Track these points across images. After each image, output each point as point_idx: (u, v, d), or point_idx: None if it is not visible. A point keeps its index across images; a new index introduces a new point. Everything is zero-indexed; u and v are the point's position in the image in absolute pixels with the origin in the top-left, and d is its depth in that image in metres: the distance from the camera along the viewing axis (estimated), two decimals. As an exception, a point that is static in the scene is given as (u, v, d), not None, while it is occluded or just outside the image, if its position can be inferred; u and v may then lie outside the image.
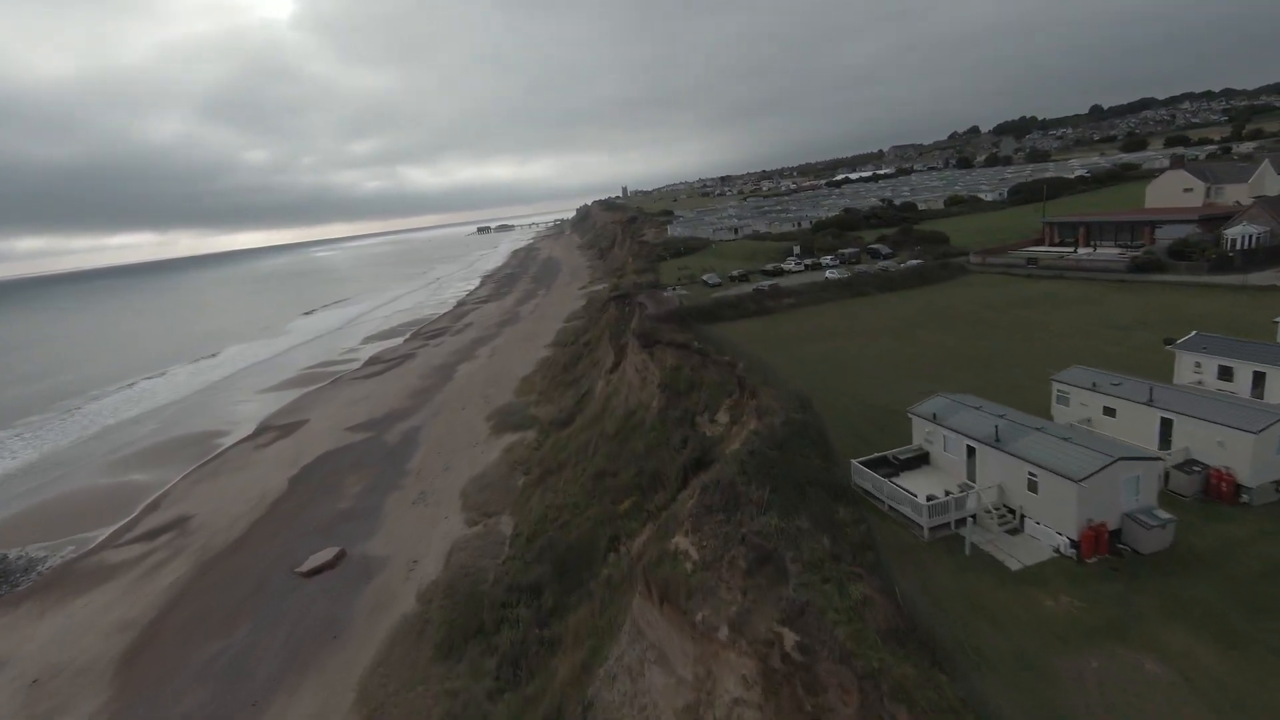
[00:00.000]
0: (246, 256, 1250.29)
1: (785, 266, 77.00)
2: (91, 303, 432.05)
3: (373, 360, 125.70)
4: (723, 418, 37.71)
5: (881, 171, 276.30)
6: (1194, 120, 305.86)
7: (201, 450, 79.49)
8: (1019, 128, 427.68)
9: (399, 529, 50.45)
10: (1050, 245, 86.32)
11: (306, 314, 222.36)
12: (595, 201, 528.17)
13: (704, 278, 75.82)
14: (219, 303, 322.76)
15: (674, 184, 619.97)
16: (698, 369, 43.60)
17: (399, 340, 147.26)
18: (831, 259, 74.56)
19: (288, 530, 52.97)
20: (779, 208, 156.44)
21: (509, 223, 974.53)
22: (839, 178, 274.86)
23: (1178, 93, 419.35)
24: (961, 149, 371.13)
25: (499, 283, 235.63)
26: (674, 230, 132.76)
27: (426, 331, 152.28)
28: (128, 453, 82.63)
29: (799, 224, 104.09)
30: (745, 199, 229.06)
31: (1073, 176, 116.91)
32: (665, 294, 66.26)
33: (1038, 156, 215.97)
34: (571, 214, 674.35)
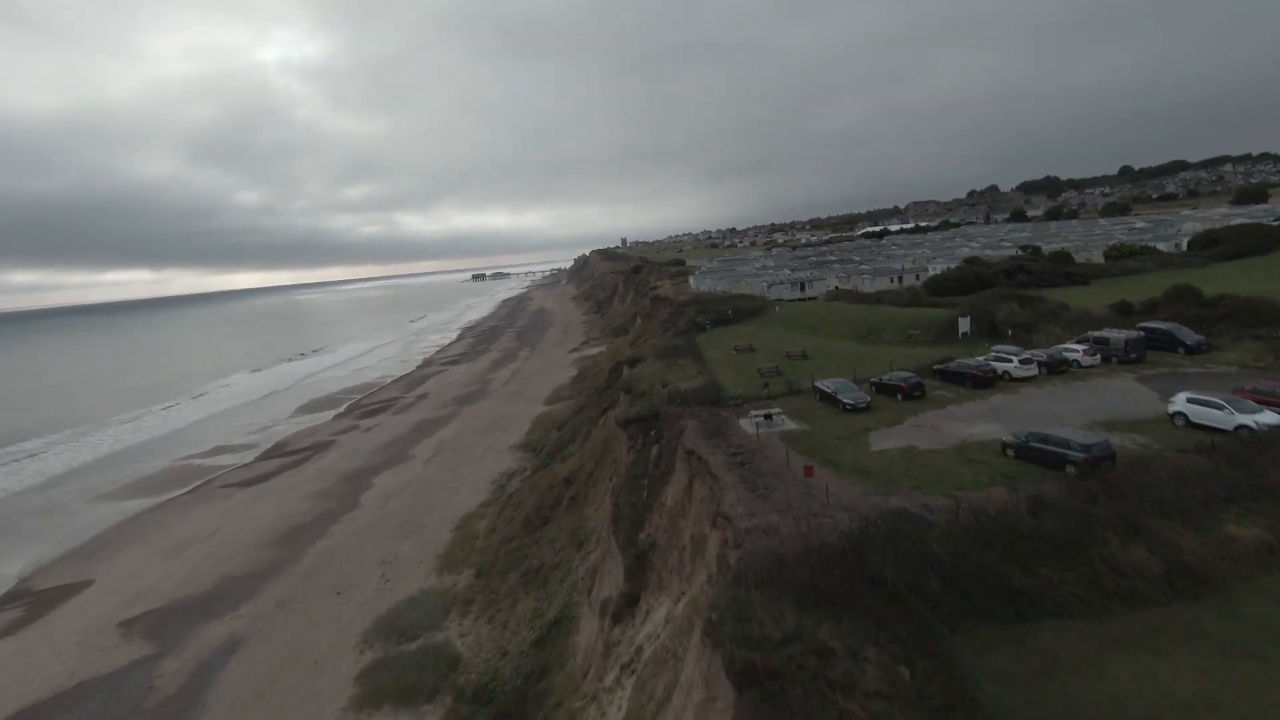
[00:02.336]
0: (242, 296, 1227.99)
1: (995, 361, 35.94)
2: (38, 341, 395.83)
3: (273, 451, 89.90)
4: None
5: (908, 225, 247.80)
6: (1251, 180, 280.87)
7: None
8: (1044, 187, 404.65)
9: None
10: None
11: (254, 371, 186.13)
12: (594, 251, 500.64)
13: (824, 387, 34.59)
14: (170, 348, 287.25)
15: (677, 235, 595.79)
16: None
17: (330, 415, 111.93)
18: (1086, 348, 36.17)
19: None
20: (836, 257, 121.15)
21: (504, 270, 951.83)
22: (876, 229, 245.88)
23: (1189, 158, 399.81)
24: (994, 203, 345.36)
25: (478, 338, 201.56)
26: (700, 284, 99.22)
27: (368, 404, 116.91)
28: None
29: (897, 279, 70.64)
30: (770, 249, 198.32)
31: (1273, 223, 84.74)
32: (747, 424, 30.30)
33: (1114, 210, 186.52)
34: (569, 264, 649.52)
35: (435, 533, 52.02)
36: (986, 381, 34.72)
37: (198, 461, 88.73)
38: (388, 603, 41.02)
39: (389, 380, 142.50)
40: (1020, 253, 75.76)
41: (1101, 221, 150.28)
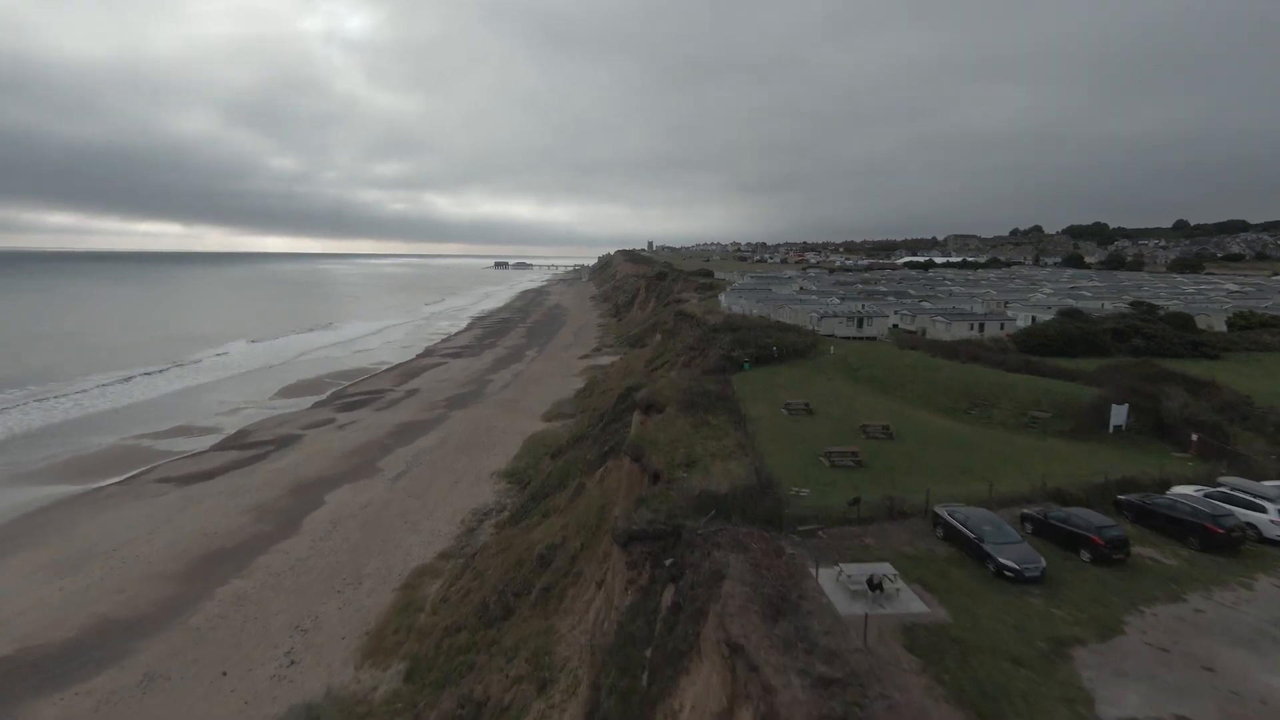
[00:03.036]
0: (268, 260, 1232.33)
1: (1234, 505, 22.57)
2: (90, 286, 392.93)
3: (233, 440, 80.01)
4: None
5: (954, 259, 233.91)
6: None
7: None
8: (1094, 234, 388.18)
9: None
10: None
11: (253, 341, 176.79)
12: (619, 251, 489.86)
13: (955, 520, 21.71)
14: (182, 306, 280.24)
15: (704, 244, 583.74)
16: None
17: (309, 402, 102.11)
18: None
19: None
20: (888, 288, 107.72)
21: (528, 261, 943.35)
22: (920, 260, 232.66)
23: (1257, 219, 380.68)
24: (1040, 245, 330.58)
25: (486, 330, 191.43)
26: (733, 303, 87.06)
27: (353, 394, 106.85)
28: None
29: (977, 326, 58.12)
30: (804, 269, 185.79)
31: None
32: (833, 584, 17.80)
33: (1184, 266, 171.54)
34: (593, 261, 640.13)
35: (373, 590, 41.12)
36: (1229, 542, 21.26)
37: (148, 443, 78.90)
38: (277, 706, 30.08)
39: (384, 368, 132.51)
40: (1128, 309, 63.34)
41: (1177, 277, 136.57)
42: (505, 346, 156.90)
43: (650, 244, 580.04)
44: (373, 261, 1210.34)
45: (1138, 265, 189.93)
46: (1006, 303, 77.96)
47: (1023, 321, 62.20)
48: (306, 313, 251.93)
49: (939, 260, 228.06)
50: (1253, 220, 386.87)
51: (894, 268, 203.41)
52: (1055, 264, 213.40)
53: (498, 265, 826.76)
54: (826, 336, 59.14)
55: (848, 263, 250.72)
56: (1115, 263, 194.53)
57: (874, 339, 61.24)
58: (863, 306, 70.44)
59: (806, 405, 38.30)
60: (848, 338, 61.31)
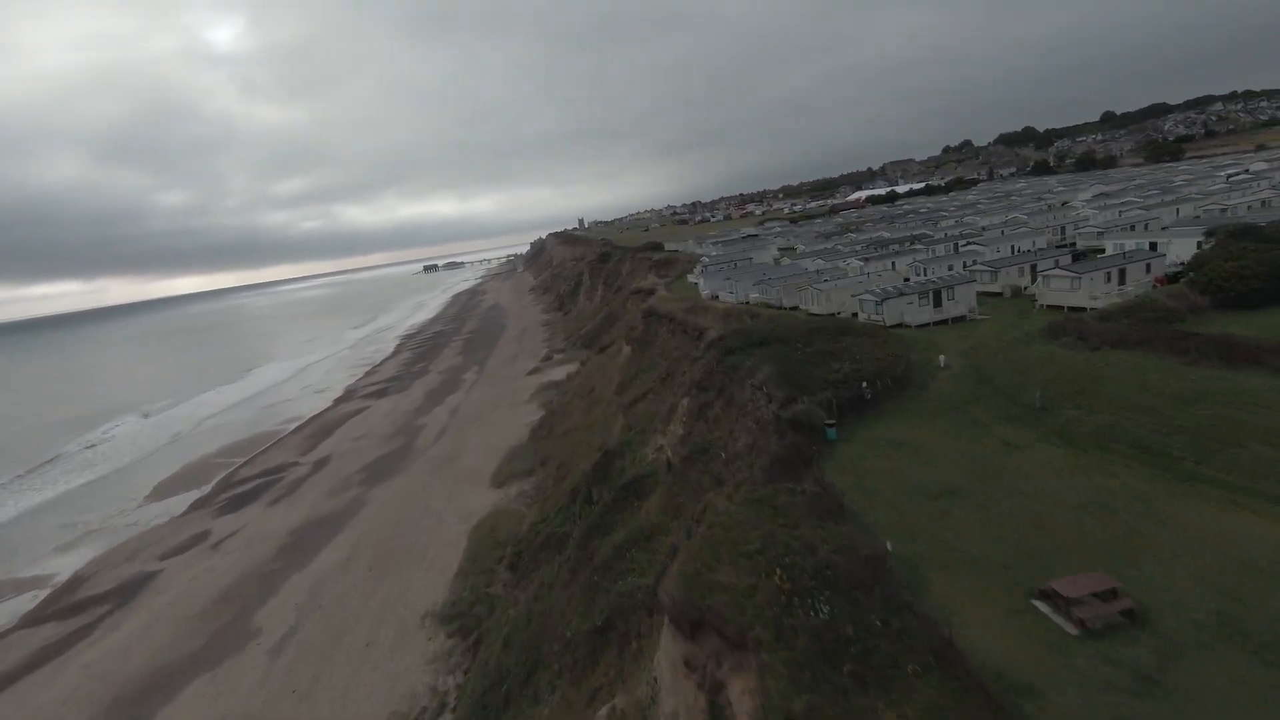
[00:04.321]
0: (179, 303, 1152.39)
1: None
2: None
3: (59, 598, 56.38)
4: None
5: (918, 186, 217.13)
6: (1262, 118, 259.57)
7: None
8: (1025, 139, 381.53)
9: None
10: None
11: (145, 416, 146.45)
12: (550, 234, 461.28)
13: None
14: (66, 377, 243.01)
15: (638, 212, 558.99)
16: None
17: (186, 503, 78.70)
18: None
19: None
20: (893, 234, 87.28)
21: (458, 259, 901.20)
22: (881, 192, 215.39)
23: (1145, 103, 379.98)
24: (982, 158, 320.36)
25: (416, 352, 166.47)
26: (717, 289, 65.62)
27: (245, 479, 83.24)
28: None
29: (1116, 276, 37.55)
30: (763, 223, 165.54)
31: None
32: None
33: (1163, 154, 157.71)
34: (525, 248, 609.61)
35: None
36: None
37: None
38: None
39: (291, 427, 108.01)
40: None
41: (1198, 167, 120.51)
42: (439, 371, 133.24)
43: (582, 221, 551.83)
44: (292, 287, 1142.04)
45: (1109, 163, 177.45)
46: (1104, 228, 58.02)
47: (1176, 255, 43.32)
48: (216, 364, 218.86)
49: (901, 190, 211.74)
50: (1173, 101, 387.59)
51: (859, 206, 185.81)
52: (1026, 173, 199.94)
53: (427, 269, 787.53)
54: (894, 329, 39.31)
55: (807, 209, 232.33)
56: (1087, 163, 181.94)
57: (963, 319, 41.72)
58: (926, 273, 49.93)
59: (1124, 604, 17.29)
60: (926, 325, 41.87)
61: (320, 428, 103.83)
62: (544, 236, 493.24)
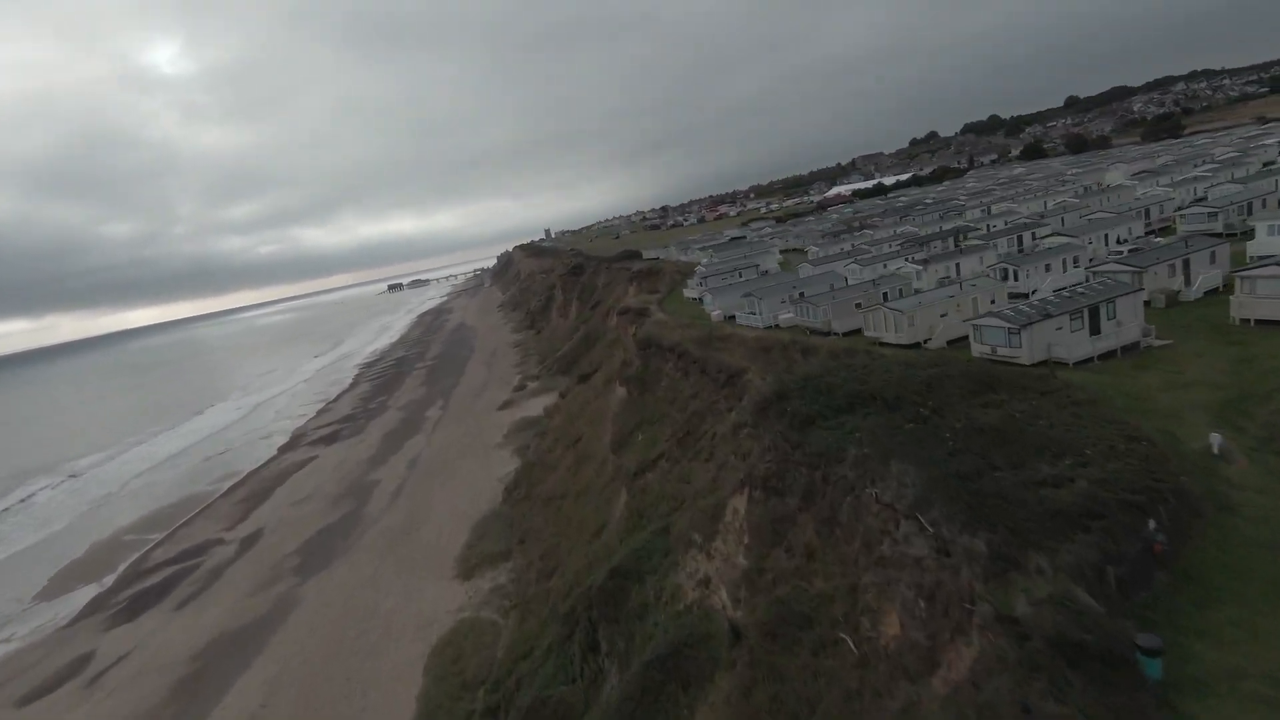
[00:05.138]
0: (134, 336, 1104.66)
1: None
2: None
3: None
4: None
5: (903, 178, 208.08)
6: (1232, 95, 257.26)
7: None
8: (991, 127, 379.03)
9: None
10: None
11: (71, 476, 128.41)
12: (517, 246, 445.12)
13: None
14: (4, 429, 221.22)
15: (607, 220, 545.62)
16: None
17: (78, 605, 63.71)
18: None
19: None
20: (924, 237, 69.05)
21: (423, 277, 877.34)
22: (867, 185, 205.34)
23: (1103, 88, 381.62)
24: (953, 149, 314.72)
25: (376, 384, 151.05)
26: (734, 311, 50.75)
27: (155, 566, 68.26)
28: None
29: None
30: (748, 223, 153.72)
31: None
32: None
33: (1162, 133, 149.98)
34: (492, 261, 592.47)
35: None
36: None
37: None
38: None
39: (227, 486, 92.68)
40: None
41: (1228, 139, 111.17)
42: (399, 407, 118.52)
43: (549, 231, 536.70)
44: (254, 314, 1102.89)
45: (1103, 144, 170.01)
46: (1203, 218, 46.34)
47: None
48: (162, 405, 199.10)
49: (888, 182, 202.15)
50: (1133, 84, 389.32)
51: (847, 200, 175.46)
52: (1015, 158, 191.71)
53: (392, 289, 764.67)
54: (1038, 367, 26.08)
55: (785, 206, 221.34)
56: (1078, 145, 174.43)
57: (1135, 348, 26.65)
58: (1015, 277, 36.54)
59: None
60: (1087, 360, 27.30)
61: (258, 487, 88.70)
62: (510, 249, 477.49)
